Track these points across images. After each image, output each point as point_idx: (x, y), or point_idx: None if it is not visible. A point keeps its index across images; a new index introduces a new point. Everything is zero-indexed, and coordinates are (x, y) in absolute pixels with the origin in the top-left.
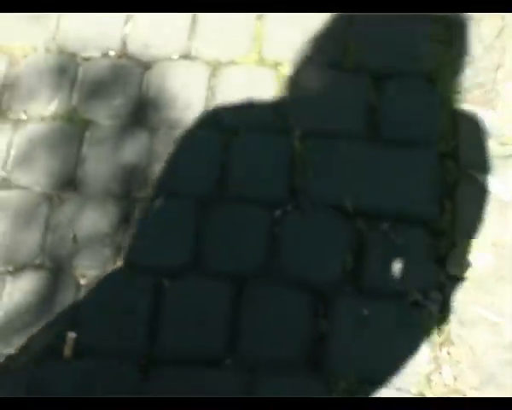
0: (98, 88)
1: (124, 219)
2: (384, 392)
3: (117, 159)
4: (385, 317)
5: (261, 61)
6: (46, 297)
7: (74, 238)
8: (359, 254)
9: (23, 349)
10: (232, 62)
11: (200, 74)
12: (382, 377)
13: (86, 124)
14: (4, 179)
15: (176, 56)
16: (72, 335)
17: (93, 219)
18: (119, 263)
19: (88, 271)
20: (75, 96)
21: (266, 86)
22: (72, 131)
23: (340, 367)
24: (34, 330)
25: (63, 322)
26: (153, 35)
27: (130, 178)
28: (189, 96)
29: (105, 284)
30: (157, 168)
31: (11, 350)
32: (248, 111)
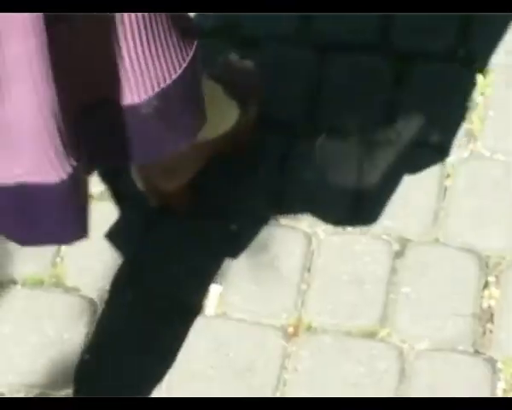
0: None
1: (279, 158)
2: None
3: (278, 84)
4: None
5: None
6: (191, 244)
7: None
8: None
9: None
10: None
11: None
12: None
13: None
14: None
15: None
16: (216, 290)
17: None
18: (272, 210)
19: (239, 217)
20: None
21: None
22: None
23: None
24: (178, 281)
25: (209, 274)
26: None
27: (292, 110)
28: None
29: (255, 233)
30: (322, 98)
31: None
32: (428, 38)
